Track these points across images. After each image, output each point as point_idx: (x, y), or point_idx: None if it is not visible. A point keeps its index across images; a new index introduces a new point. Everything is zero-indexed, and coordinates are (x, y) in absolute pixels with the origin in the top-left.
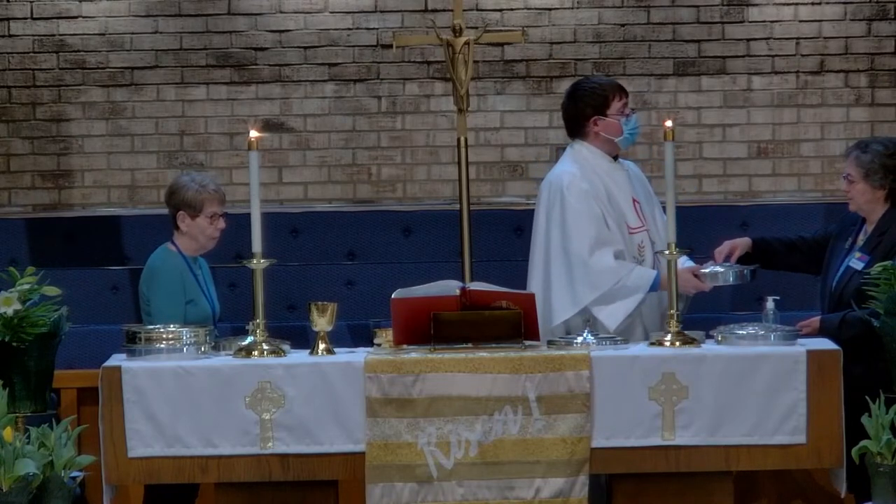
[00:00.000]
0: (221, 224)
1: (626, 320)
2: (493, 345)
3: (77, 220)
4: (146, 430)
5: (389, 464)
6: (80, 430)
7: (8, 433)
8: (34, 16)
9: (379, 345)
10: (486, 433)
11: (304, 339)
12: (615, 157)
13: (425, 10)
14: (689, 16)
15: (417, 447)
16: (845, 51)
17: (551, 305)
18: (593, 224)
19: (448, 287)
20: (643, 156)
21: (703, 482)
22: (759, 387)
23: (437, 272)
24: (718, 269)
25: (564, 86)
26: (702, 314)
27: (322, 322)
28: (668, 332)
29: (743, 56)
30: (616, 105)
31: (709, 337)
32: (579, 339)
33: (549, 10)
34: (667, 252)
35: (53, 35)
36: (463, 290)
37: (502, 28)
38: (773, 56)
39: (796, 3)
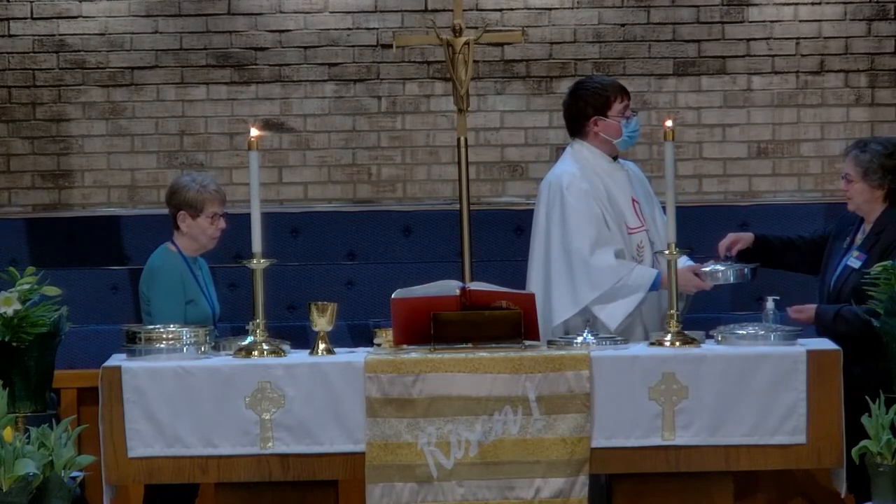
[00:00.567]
0: (222, 224)
1: (626, 320)
2: (493, 345)
3: (77, 220)
4: (146, 430)
5: (389, 464)
6: (80, 430)
7: (8, 433)
8: (34, 16)
9: (379, 345)
10: (486, 433)
11: (304, 339)
12: (615, 158)
13: (425, 10)
14: (689, 16)
15: (417, 447)
16: (845, 51)
17: (551, 305)
18: (593, 224)
19: (448, 287)
20: (643, 156)
21: (703, 482)
22: (759, 387)
23: (437, 272)
24: (719, 267)
25: (564, 86)
26: (702, 314)
27: (322, 322)
28: (668, 332)
29: (743, 56)
30: (617, 106)
31: (709, 337)
32: (579, 339)
33: (549, 10)
34: (667, 252)
35: (53, 35)
36: (463, 290)
37: (502, 28)
38: (773, 56)
39: (796, 3)
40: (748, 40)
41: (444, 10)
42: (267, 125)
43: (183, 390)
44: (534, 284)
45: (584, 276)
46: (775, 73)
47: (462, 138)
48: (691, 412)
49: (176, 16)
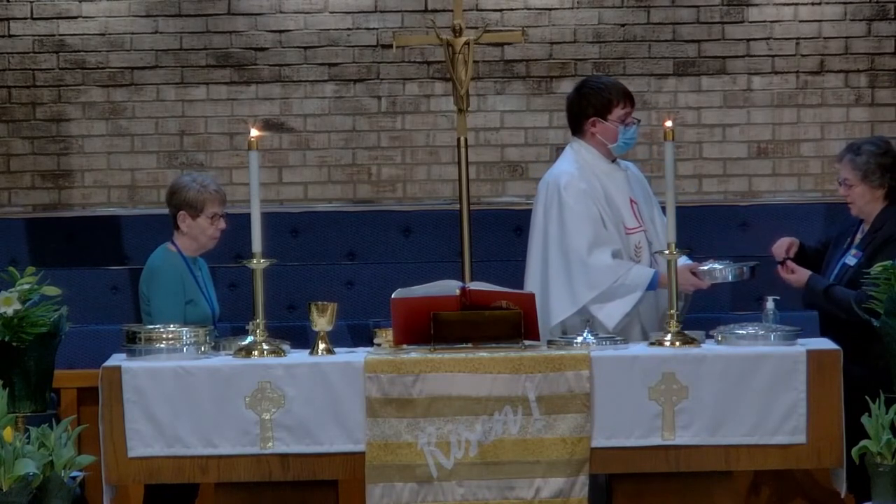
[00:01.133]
0: (222, 224)
1: (624, 319)
2: (493, 345)
3: (77, 220)
4: (146, 430)
5: (389, 464)
6: (80, 430)
7: (8, 433)
8: (34, 16)
9: (379, 345)
10: (486, 433)
11: (304, 339)
12: (614, 159)
13: (425, 10)
14: (689, 16)
15: (417, 447)
16: (845, 51)
17: (549, 305)
18: (591, 224)
19: (448, 287)
20: (643, 156)
21: (703, 482)
22: (759, 387)
23: (437, 272)
24: (717, 266)
25: (564, 86)
26: (702, 314)
27: (322, 322)
28: (668, 332)
29: (743, 56)
30: (618, 112)
31: (709, 337)
32: (579, 339)
33: (549, 10)
34: (666, 252)
35: (53, 35)
36: (463, 290)
37: (502, 28)
38: (773, 56)
39: (796, 3)
40: (748, 40)
41: (444, 10)
42: (267, 125)
43: (183, 390)
44: (531, 284)
45: (581, 277)
46: (775, 73)
47: (462, 138)
48: (691, 412)
49: (176, 16)
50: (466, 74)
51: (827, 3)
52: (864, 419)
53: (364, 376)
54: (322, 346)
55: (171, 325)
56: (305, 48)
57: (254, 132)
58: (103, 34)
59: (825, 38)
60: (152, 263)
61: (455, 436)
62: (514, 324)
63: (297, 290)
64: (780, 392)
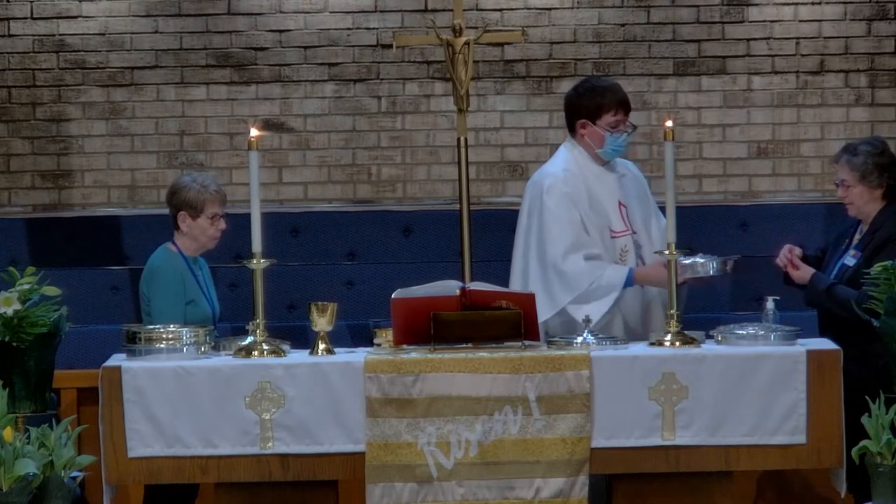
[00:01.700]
0: (222, 224)
1: (604, 318)
2: (493, 345)
3: (77, 220)
4: (146, 430)
5: (389, 464)
6: (80, 430)
7: (8, 433)
8: (34, 16)
9: (379, 345)
10: (486, 433)
11: (304, 339)
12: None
13: (425, 10)
14: (689, 16)
15: (417, 447)
16: (845, 51)
17: None
18: (570, 229)
19: (448, 287)
20: (643, 156)
21: (703, 482)
22: (759, 387)
23: (437, 272)
24: (699, 260)
25: (564, 86)
26: (702, 314)
27: (322, 322)
28: (668, 332)
29: (743, 56)
30: (608, 118)
31: (709, 337)
32: (579, 339)
33: (549, 10)
34: (666, 252)
35: (53, 35)
36: (463, 290)
37: (502, 28)
38: (773, 56)
39: (796, 3)
40: (748, 40)
41: (444, 10)
42: (267, 125)
43: (183, 390)
44: (514, 283)
45: (558, 282)
46: (775, 73)
47: (462, 138)
48: (691, 412)
49: (176, 16)
50: (466, 74)
51: (827, 3)
52: (864, 419)
53: (364, 376)
54: (322, 346)
55: (171, 325)
56: (305, 48)
57: (254, 132)
58: (103, 34)
59: (825, 38)
60: (152, 263)
61: (455, 436)
62: (514, 324)
63: (297, 290)
64: (780, 392)
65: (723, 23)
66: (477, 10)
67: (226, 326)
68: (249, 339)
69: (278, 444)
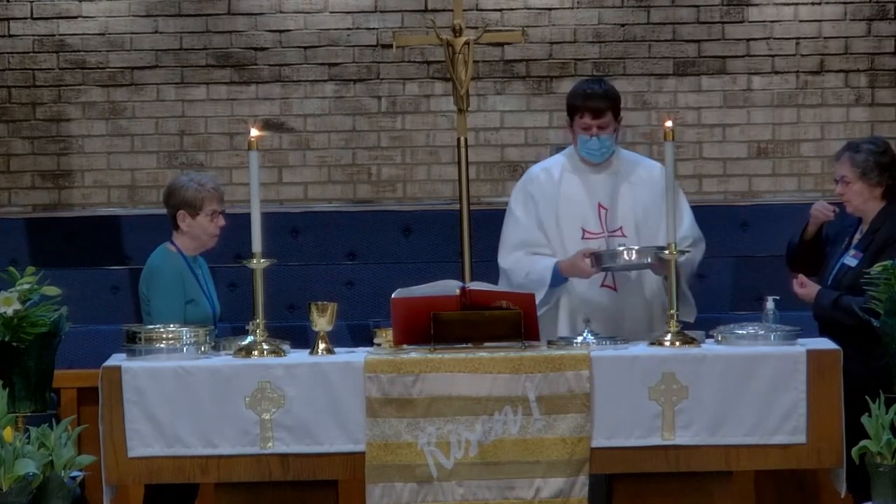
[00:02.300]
0: (221, 222)
1: (544, 309)
2: (493, 345)
3: (77, 220)
4: (146, 430)
5: (389, 464)
6: (80, 430)
7: (8, 433)
8: (34, 16)
9: (379, 345)
10: (486, 433)
11: (304, 339)
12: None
13: (425, 10)
14: (689, 16)
15: (417, 447)
16: (845, 51)
17: None
18: (520, 227)
19: (448, 287)
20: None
21: (703, 482)
22: (759, 387)
23: (437, 272)
24: (619, 249)
25: (564, 86)
26: (702, 314)
27: (322, 322)
28: (668, 332)
29: (743, 56)
30: (578, 121)
31: (709, 337)
32: (579, 339)
33: (549, 10)
34: (666, 252)
35: (53, 35)
36: (463, 290)
37: (502, 28)
38: (773, 56)
39: (796, 3)
40: (748, 40)
41: (444, 10)
42: (267, 125)
43: (183, 390)
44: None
45: (502, 278)
46: (775, 73)
47: (462, 138)
48: (691, 412)
49: (176, 16)
50: (466, 74)
51: (827, 3)
52: (864, 419)
53: (364, 376)
54: (322, 346)
55: (171, 325)
56: (305, 48)
57: (254, 132)
58: (103, 34)
59: (825, 38)
60: (152, 263)
61: (455, 436)
62: (514, 324)
63: (297, 290)
64: (780, 392)
65: (723, 23)
66: (477, 10)
67: (226, 326)
68: (249, 339)
69: (278, 444)
